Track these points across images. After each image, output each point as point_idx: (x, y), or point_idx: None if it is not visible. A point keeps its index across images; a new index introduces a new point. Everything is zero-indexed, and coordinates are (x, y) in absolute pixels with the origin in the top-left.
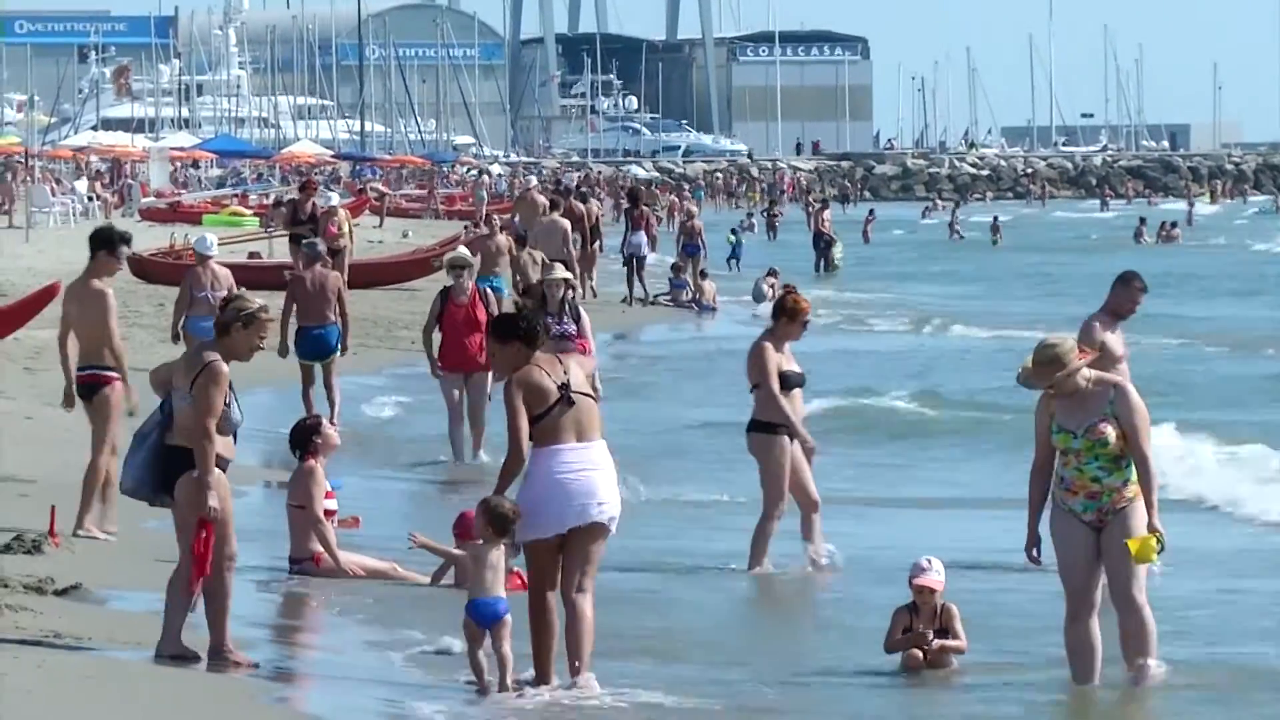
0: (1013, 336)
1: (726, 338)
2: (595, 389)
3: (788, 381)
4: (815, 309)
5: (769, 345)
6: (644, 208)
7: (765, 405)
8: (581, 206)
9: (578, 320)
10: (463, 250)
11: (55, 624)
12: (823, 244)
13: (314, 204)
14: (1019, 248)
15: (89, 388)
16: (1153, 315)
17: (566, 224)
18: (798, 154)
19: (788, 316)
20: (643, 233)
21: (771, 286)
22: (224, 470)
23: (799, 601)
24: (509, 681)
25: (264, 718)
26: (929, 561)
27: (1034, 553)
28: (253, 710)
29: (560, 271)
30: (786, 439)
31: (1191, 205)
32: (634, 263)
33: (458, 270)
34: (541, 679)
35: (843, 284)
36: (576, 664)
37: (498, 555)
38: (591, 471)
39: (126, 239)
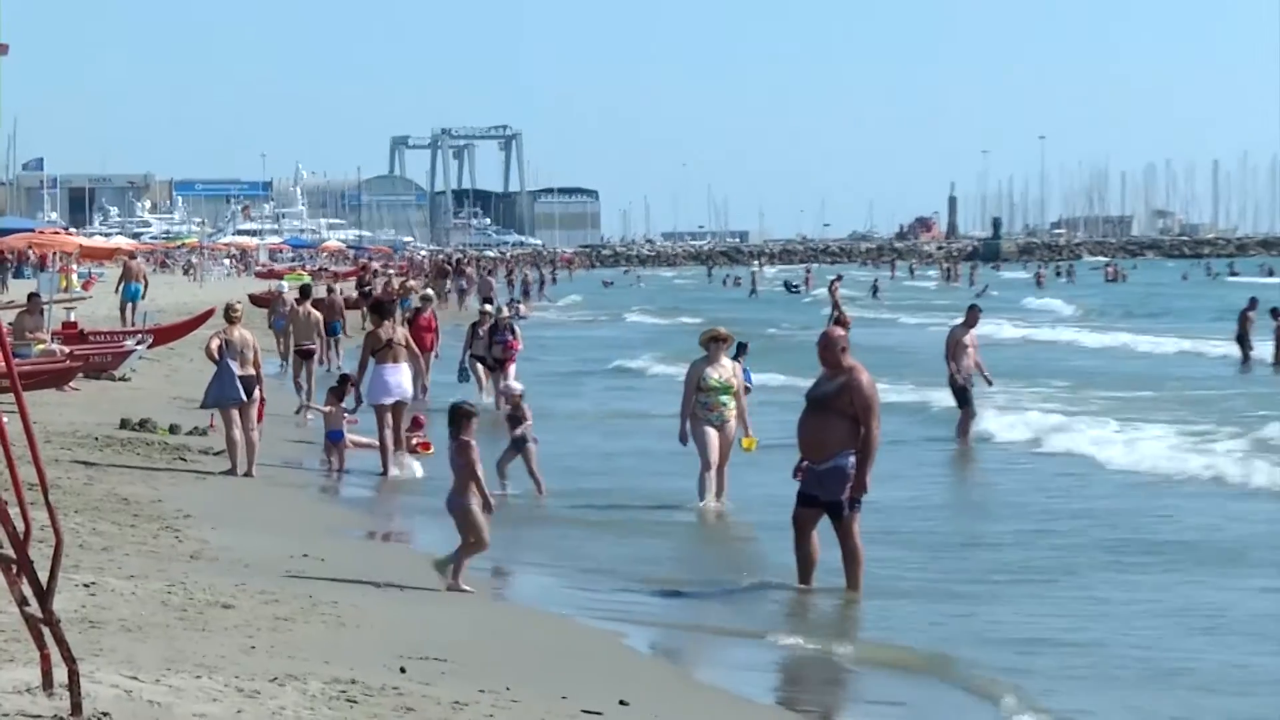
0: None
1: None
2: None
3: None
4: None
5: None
6: (465, 267)
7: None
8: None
9: (513, 333)
10: (428, 291)
11: (212, 465)
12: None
13: (371, 276)
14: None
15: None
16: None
17: (492, 280)
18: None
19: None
20: (463, 280)
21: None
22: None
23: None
24: (343, 468)
25: (321, 516)
26: (515, 383)
27: (685, 442)
28: (308, 506)
29: (506, 310)
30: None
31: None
32: (459, 295)
33: (426, 300)
34: (385, 470)
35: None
36: (398, 454)
37: (338, 413)
38: (399, 375)
39: (308, 292)
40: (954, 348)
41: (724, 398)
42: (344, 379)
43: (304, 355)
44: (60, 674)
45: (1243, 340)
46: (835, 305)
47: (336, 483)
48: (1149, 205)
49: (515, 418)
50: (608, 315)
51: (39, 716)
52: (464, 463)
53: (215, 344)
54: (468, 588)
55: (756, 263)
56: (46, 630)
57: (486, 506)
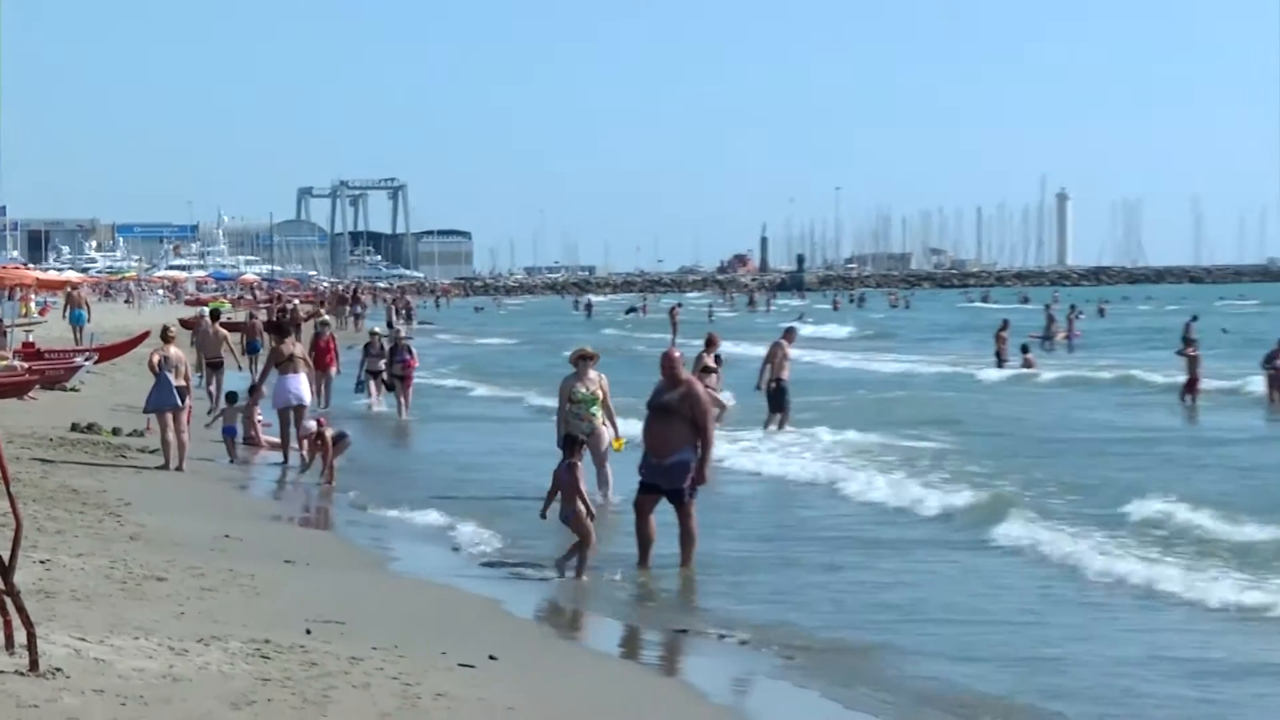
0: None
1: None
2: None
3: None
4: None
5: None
6: (361, 296)
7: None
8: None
9: (410, 353)
10: (328, 317)
11: (148, 462)
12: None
13: (283, 305)
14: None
15: (216, 365)
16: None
17: (388, 307)
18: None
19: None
20: (359, 305)
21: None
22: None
23: None
24: (236, 458)
25: (239, 503)
26: (310, 423)
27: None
28: (228, 495)
29: (404, 333)
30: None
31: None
32: (354, 318)
33: (324, 325)
34: (285, 460)
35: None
36: (304, 453)
37: (232, 412)
38: (298, 384)
39: (216, 314)
40: (780, 359)
41: (593, 408)
42: (252, 389)
43: (213, 367)
44: (21, 636)
45: (999, 356)
46: (674, 328)
47: (248, 476)
48: (925, 244)
49: (337, 439)
50: (426, 337)
51: (3, 671)
52: (571, 480)
53: (155, 359)
54: (585, 578)
55: (597, 294)
56: (8, 600)
57: (590, 514)
